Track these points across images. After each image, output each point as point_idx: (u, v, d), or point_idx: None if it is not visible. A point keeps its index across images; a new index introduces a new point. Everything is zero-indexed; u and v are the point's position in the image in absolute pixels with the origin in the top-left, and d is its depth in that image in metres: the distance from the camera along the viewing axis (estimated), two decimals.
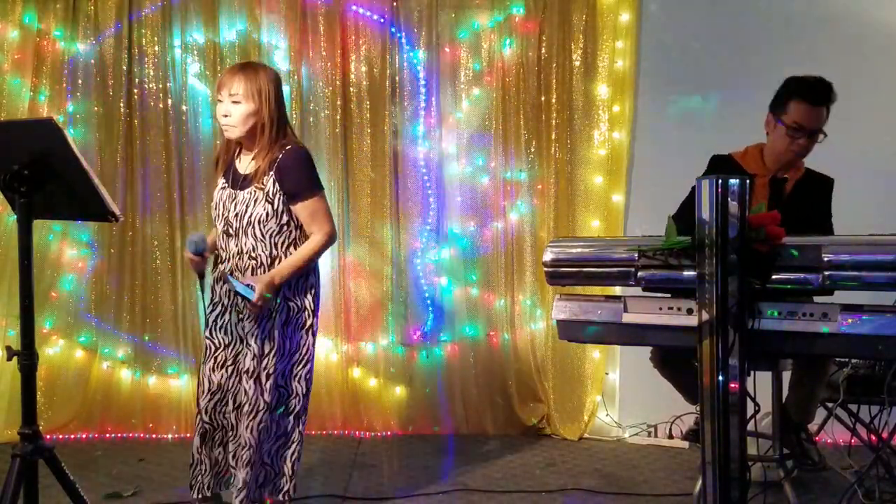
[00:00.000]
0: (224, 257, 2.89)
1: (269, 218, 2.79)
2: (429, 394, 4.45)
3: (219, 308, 2.93)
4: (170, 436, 4.33)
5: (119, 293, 4.38)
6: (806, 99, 3.03)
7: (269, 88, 2.80)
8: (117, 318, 4.38)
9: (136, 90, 4.34)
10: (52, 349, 4.33)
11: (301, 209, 2.82)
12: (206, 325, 2.96)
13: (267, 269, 2.79)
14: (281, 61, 4.37)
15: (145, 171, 4.35)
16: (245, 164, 2.88)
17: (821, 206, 3.15)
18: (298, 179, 2.81)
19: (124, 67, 4.32)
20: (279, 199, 2.79)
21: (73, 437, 4.28)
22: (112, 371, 4.40)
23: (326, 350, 4.43)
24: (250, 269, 2.82)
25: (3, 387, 4.14)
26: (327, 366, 4.42)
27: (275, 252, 2.82)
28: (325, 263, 4.41)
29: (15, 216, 2.28)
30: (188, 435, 4.28)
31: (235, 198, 2.84)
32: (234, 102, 2.77)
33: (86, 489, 2.47)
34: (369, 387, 4.47)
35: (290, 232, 2.85)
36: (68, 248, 4.39)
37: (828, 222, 3.14)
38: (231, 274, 2.82)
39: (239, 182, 2.85)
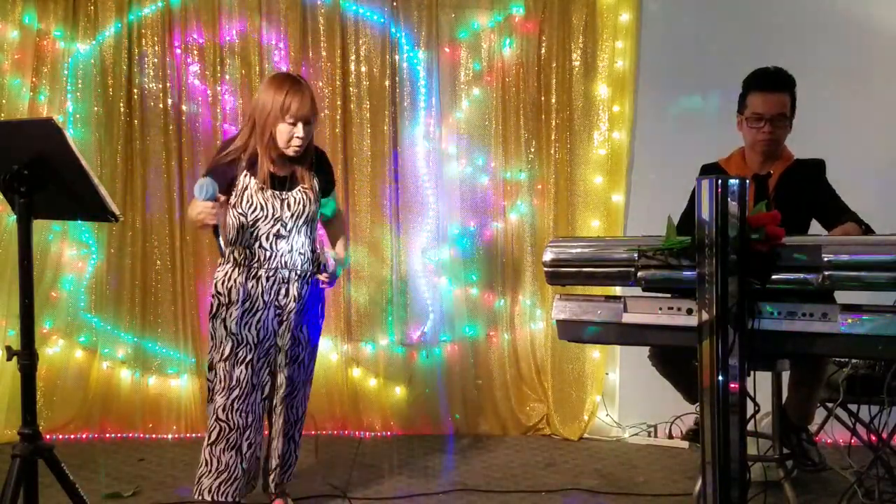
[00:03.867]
0: (266, 255, 2.97)
1: (316, 215, 3.07)
2: (429, 394, 4.45)
3: (254, 306, 2.99)
4: (170, 436, 4.33)
5: (119, 293, 4.38)
6: (759, 88, 3.12)
7: None
8: (117, 318, 4.38)
9: (136, 90, 4.34)
10: (52, 349, 4.33)
11: (330, 199, 3.18)
12: (237, 321, 2.96)
13: (310, 263, 3.07)
14: (281, 61, 4.37)
15: (145, 171, 4.36)
16: (282, 166, 3.01)
17: (816, 191, 3.13)
18: (332, 174, 3.20)
19: (124, 67, 4.32)
20: (318, 195, 3.07)
21: (73, 437, 4.28)
22: (112, 371, 4.40)
23: (326, 350, 4.43)
24: (299, 264, 3.02)
25: (3, 387, 4.14)
26: (327, 366, 4.42)
27: (314, 246, 3.10)
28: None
29: (15, 216, 2.28)
30: (188, 435, 4.30)
31: (285, 198, 2.98)
32: (307, 124, 2.93)
33: (86, 489, 2.47)
34: (369, 387, 4.47)
35: (316, 227, 3.15)
36: (68, 248, 4.39)
37: (837, 202, 3.11)
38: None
39: (286, 184, 3.00)
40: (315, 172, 3.06)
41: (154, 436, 4.34)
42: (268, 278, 2.99)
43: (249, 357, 2.98)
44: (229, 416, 2.98)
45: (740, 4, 4.26)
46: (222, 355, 2.97)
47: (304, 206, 3.00)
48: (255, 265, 2.98)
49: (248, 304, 2.98)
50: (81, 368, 4.38)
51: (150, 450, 4.14)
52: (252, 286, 2.97)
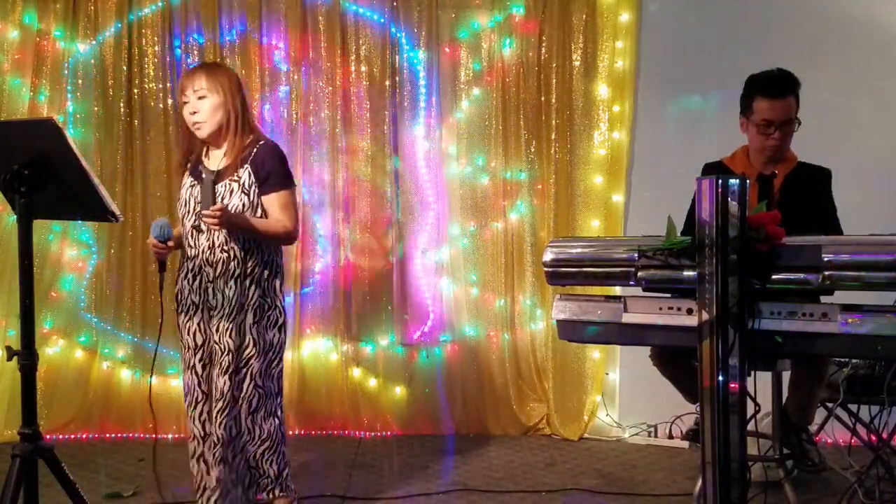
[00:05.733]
0: (192, 254, 2.86)
1: (244, 209, 2.80)
2: (429, 394, 4.45)
3: (188, 309, 2.89)
4: (170, 436, 4.33)
5: (119, 293, 4.38)
6: (767, 94, 3.08)
7: (229, 82, 2.84)
8: (117, 318, 4.39)
9: (136, 90, 4.34)
10: (52, 349, 4.33)
11: (274, 199, 2.84)
12: (181, 324, 2.93)
13: (240, 262, 2.81)
14: (281, 61, 4.37)
15: (145, 171, 4.36)
16: (215, 160, 2.88)
17: (818, 198, 3.13)
18: (275, 170, 2.84)
19: (124, 67, 4.32)
20: (254, 191, 2.82)
21: (73, 437, 4.28)
22: (112, 371, 4.40)
23: (326, 350, 4.43)
24: (222, 262, 2.80)
25: (3, 387, 4.14)
26: (327, 366, 4.43)
27: (247, 245, 2.82)
28: (327, 262, 4.41)
29: (15, 216, 2.28)
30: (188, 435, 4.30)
31: None
32: (200, 98, 2.79)
33: (86, 489, 2.47)
34: (369, 387, 4.47)
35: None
36: (68, 248, 4.40)
37: (831, 216, 3.11)
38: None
39: (216, 177, 2.84)
40: (253, 165, 2.81)
41: (154, 436, 4.33)
42: (195, 276, 2.86)
43: (192, 362, 2.87)
44: (188, 424, 2.90)
45: (740, 4, 4.26)
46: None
47: (221, 198, 2.78)
48: (186, 264, 2.89)
49: (182, 306, 2.90)
50: (81, 368, 4.38)
51: (150, 450, 4.13)
52: (184, 287, 2.89)
